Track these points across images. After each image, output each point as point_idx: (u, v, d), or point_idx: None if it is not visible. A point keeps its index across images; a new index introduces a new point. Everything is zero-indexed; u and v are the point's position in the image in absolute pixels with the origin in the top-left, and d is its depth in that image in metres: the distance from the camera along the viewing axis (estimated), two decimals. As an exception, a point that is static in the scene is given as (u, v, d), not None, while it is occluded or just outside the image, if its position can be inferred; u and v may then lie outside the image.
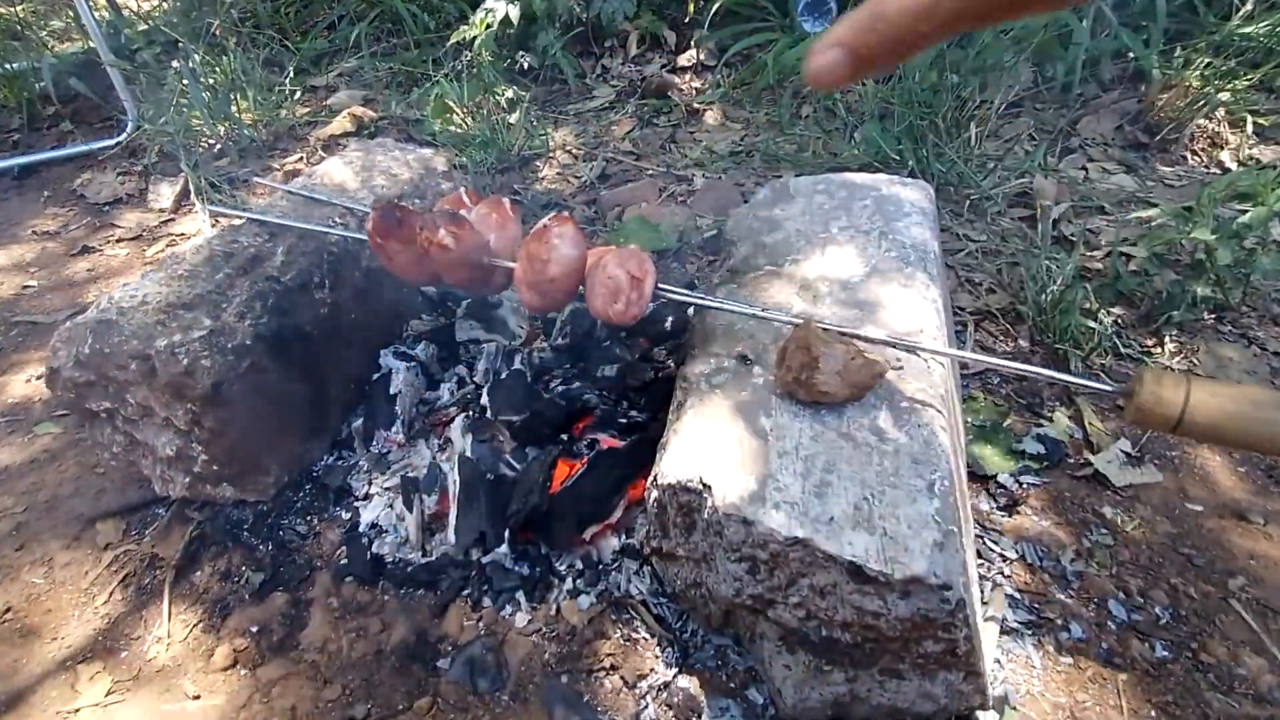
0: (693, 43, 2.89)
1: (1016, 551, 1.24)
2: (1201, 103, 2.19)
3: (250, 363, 1.27)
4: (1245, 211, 1.68)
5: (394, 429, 1.40)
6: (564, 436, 1.33)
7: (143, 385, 1.22)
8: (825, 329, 0.99)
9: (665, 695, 1.07)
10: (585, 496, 1.22)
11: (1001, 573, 1.21)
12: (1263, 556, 1.24)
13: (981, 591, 1.17)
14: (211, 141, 2.61)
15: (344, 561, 1.28)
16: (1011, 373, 1.55)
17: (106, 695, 1.13)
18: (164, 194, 2.45)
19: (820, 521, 0.86)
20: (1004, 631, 1.13)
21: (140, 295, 1.26)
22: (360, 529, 1.32)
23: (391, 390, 1.43)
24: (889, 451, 0.93)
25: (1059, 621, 1.15)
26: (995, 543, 1.26)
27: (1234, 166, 2.15)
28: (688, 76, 2.85)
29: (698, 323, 1.25)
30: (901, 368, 1.04)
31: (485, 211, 1.26)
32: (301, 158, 2.55)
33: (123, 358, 1.20)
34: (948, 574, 0.81)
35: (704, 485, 0.93)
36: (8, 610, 1.26)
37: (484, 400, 1.39)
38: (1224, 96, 2.20)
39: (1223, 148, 2.21)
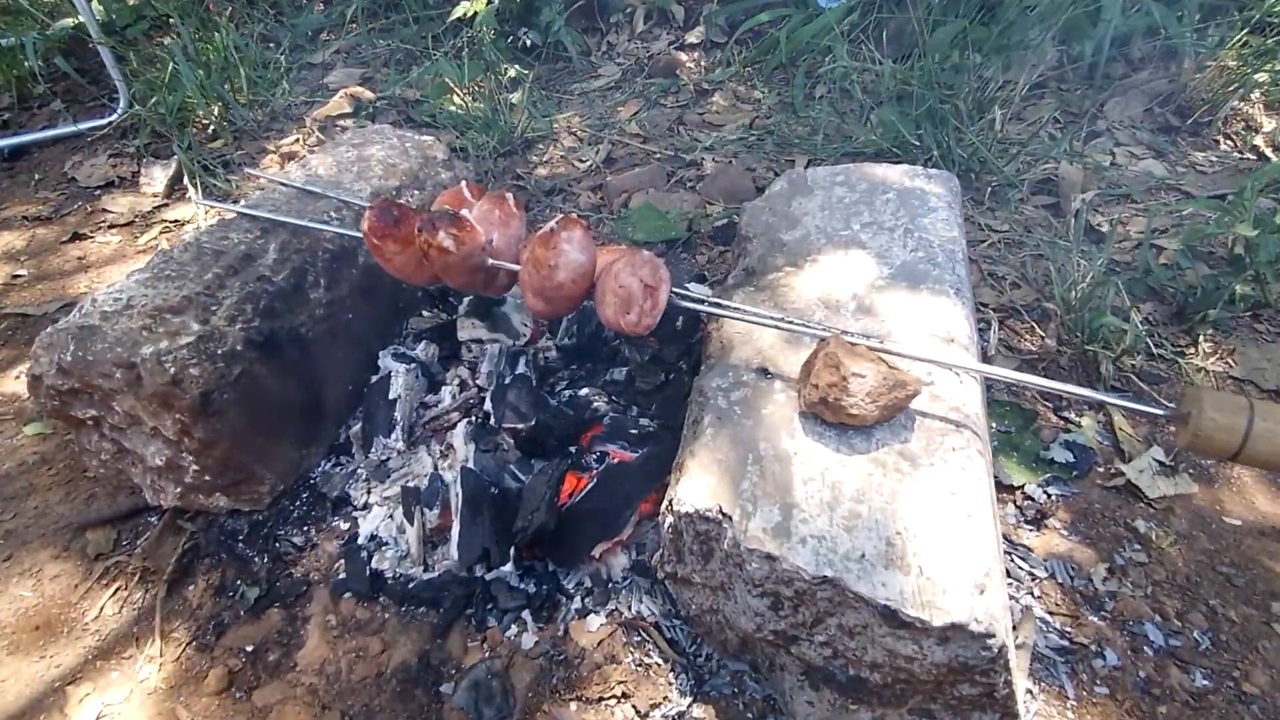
0: (702, 18, 2.78)
1: (1046, 569, 1.18)
2: (1237, 84, 2.09)
3: (242, 370, 1.20)
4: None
5: (393, 435, 1.34)
6: (572, 448, 1.27)
7: (129, 394, 1.15)
8: (853, 344, 0.93)
9: (679, 726, 1.02)
10: (594, 511, 1.16)
11: (1031, 593, 1.16)
12: (1306, 575, 1.18)
13: (1011, 615, 1.11)
14: (205, 122, 2.52)
15: (342, 576, 1.22)
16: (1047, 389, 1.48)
17: (97, 719, 1.09)
18: (156, 177, 2.37)
19: (850, 559, 0.80)
20: (1035, 659, 1.07)
21: (125, 298, 1.20)
22: (359, 541, 1.26)
23: (391, 395, 1.36)
24: (923, 480, 0.87)
25: (1093, 647, 1.09)
26: (1024, 559, 1.20)
27: (1269, 152, 2.06)
28: (696, 54, 2.75)
29: (714, 328, 1.18)
30: (933, 384, 0.97)
31: (487, 208, 1.19)
32: (298, 139, 2.47)
33: (106, 366, 1.13)
34: (990, 620, 0.75)
35: (723, 515, 0.87)
36: (-5, 625, 1.21)
37: (487, 405, 1.33)
38: (1261, 77, 2.10)
39: (1257, 132, 2.11)
